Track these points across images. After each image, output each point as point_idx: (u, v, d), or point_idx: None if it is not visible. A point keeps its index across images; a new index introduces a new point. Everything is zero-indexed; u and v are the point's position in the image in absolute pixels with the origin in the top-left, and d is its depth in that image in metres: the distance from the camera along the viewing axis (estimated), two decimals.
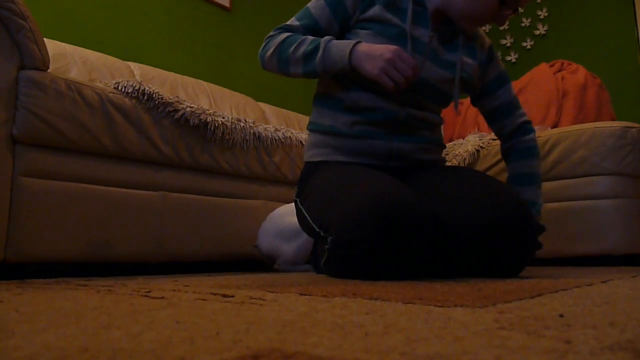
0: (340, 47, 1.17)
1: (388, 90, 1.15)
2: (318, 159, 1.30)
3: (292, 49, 1.21)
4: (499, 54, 4.14)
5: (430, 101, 1.28)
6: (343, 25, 1.27)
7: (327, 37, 1.19)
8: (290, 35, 1.23)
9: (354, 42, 1.16)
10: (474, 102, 1.43)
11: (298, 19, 1.28)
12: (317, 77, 1.25)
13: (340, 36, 1.28)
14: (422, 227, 1.02)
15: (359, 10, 1.25)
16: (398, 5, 1.26)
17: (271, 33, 1.28)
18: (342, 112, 1.26)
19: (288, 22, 1.29)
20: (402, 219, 0.99)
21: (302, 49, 1.19)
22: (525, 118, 1.41)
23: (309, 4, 1.29)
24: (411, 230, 1.00)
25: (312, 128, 1.34)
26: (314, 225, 1.19)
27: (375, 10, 1.24)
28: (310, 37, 1.21)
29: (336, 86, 1.27)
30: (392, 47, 1.13)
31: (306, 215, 1.23)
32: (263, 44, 1.28)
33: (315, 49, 1.18)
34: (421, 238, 1.02)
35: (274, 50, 1.23)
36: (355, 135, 1.25)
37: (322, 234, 1.14)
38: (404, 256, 1.02)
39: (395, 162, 1.27)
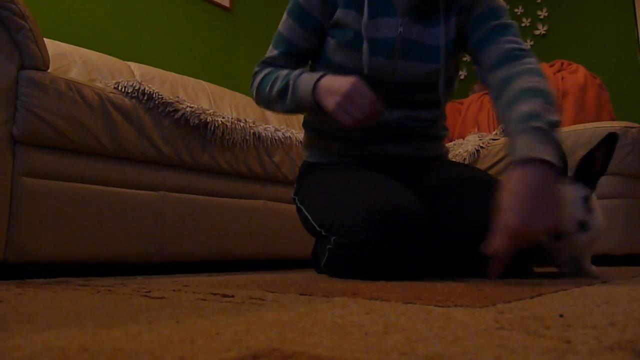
0: (305, 83, 1.11)
1: (347, 127, 1.05)
2: (314, 160, 1.30)
3: (268, 88, 1.18)
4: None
5: (420, 98, 1.19)
6: (321, 36, 1.20)
7: (296, 72, 1.14)
8: (267, 74, 1.20)
9: (318, 75, 1.09)
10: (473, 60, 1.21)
11: (275, 47, 1.23)
12: (300, 113, 1.24)
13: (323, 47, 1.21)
14: (424, 230, 1.02)
15: (327, 17, 1.17)
16: (357, 0, 1.14)
17: (255, 69, 1.25)
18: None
19: (268, 54, 1.25)
20: (405, 222, 1.00)
21: (275, 88, 1.16)
22: (517, 45, 1.10)
23: (280, 27, 1.23)
24: (413, 233, 1.00)
25: (306, 127, 1.34)
26: (315, 225, 1.18)
27: (338, 13, 1.15)
28: (284, 72, 1.16)
29: None
30: (351, 79, 1.03)
31: (306, 213, 1.23)
32: (251, 81, 1.26)
33: (286, 86, 1.14)
34: (423, 240, 1.03)
35: (257, 91, 1.22)
36: (346, 139, 1.24)
37: (323, 233, 1.14)
38: (405, 257, 1.02)
39: (391, 164, 1.26)
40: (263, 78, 1.20)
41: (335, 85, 1.05)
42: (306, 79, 1.11)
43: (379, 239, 0.99)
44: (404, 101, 1.19)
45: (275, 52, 1.23)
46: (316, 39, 1.20)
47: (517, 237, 0.83)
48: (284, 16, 1.22)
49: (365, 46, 1.12)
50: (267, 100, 1.20)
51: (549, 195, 0.85)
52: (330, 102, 1.04)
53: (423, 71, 1.15)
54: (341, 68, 1.15)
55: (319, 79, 1.08)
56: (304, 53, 1.22)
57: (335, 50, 1.17)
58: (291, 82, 1.13)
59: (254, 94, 1.25)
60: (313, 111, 1.12)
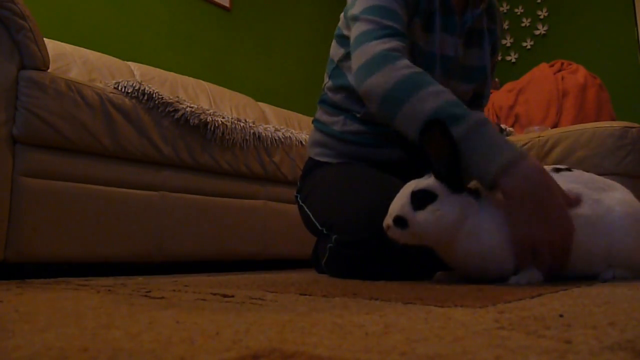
0: (497, 140, 0.85)
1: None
2: (323, 159, 1.28)
3: (419, 92, 0.91)
4: (499, 53, 4.14)
5: None
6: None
7: (480, 115, 0.88)
8: (422, 72, 0.95)
9: (518, 150, 0.84)
10: None
11: (382, 16, 1.00)
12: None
13: None
14: None
15: (411, 11, 1.09)
16: (430, 17, 1.11)
17: (388, 43, 0.97)
18: (354, 121, 1.21)
19: (384, 20, 1.00)
20: None
21: (440, 103, 0.89)
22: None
23: (374, 3, 1.04)
24: None
25: (320, 128, 1.30)
26: (317, 223, 1.17)
27: (414, 23, 1.08)
28: (453, 96, 0.91)
29: (352, 98, 1.20)
30: (569, 225, 0.81)
31: (308, 212, 1.22)
32: (380, 56, 0.97)
33: (462, 117, 0.87)
34: None
35: (393, 81, 0.94)
36: (366, 144, 1.21)
37: (324, 232, 1.14)
38: (407, 258, 1.02)
39: (402, 166, 1.21)
40: (413, 74, 0.94)
41: (551, 204, 0.81)
42: (497, 140, 0.85)
43: (380, 238, 0.99)
44: None
45: (390, 24, 1.01)
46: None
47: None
48: None
49: (437, 67, 1.12)
50: (398, 103, 0.93)
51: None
52: (529, 220, 0.80)
53: (464, 91, 1.21)
54: None
55: (520, 156, 0.83)
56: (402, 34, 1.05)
57: None
58: (472, 120, 0.86)
59: (382, 81, 0.95)
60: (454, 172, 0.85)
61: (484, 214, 0.85)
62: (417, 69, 0.96)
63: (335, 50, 1.26)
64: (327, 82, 1.30)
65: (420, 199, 0.85)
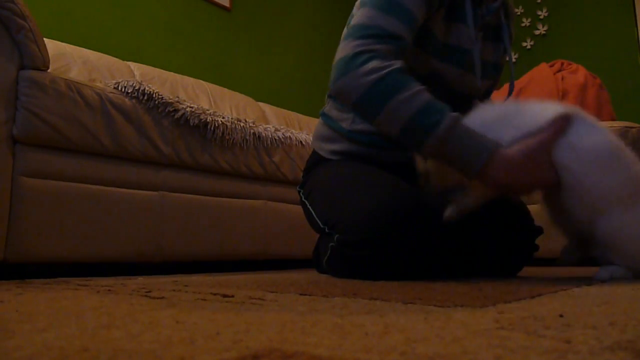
0: (475, 143, 0.88)
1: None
2: (328, 156, 1.25)
3: (395, 98, 0.92)
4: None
5: (457, 109, 1.20)
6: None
7: (452, 117, 0.90)
8: (397, 73, 0.94)
9: (492, 144, 0.88)
10: None
11: (388, 13, 0.98)
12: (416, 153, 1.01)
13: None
14: (428, 231, 1.02)
15: (434, 8, 1.05)
16: (455, 7, 1.08)
17: (365, 47, 0.96)
18: (363, 120, 1.17)
19: (385, 25, 0.98)
20: (410, 223, 0.99)
21: (411, 110, 0.91)
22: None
23: None
24: (418, 234, 1.00)
25: (328, 122, 1.26)
26: (319, 221, 1.17)
27: (438, 17, 1.06)
28: (427, 96, 0.92)
29: None
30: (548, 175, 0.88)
31: (311, 209, 1.21)
32: (351, 57, 0.96)
33: (433, 126, 0.89)
34: (427, 241, 1.02)
35: (367, 83, 0.94)
36: (373, 144, 1.19)
37: (327, 230, 1.13)
38: (409, 258, 1.02)
39: (407, 167, 1.19)
40: (387, 77, 0.93)
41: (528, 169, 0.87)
42: (471, 140, 0.89)
43: (383, 239, 0.99)
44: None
45: (396, 23, 0.98)
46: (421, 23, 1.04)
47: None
48: None
49: (478, 73, 1.11)
50: (378, 108, 0.94)
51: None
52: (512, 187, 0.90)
53: (478, 85, 1.18)
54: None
55: (493, 152, 0.87)
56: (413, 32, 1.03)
57: (434, 63, 1.09)
58: (444, 127, 0.89)
59: (358, 83, 0.94)
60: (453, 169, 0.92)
61: None
62: (384, 72, 0.94)
63: None
64: None
65: None
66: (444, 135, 0.89)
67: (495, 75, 1.25)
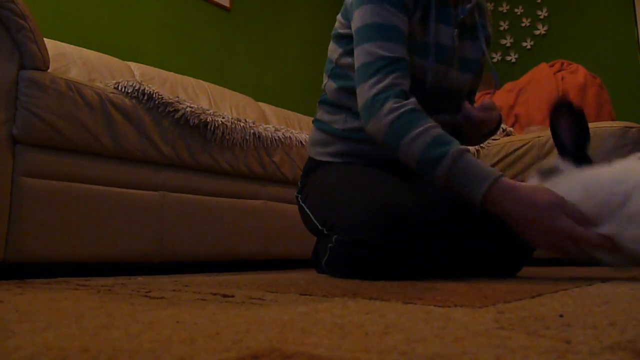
0: (473, 176, 0.94)
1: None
2: (325, 159, 1.27)
3: (407, 136, 1.00)
4: (499, 53, 4.16)
5: (446, 104, 1.24)
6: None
7: (456, 150, 0.96)
8: (410, 113, 1.02)
9: (491, 173, 0.93)
10: None
11: (381, 38, 1.07)
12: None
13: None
14: (427, 230, 1.02)
15: (410, 12, 1.14)
16: (427, 11, 1.16)
17: (385, 83, 1.05)
18: (354, 118, 1.21)
19: (385, 52, 1.06)
20: (408, 222, 0.99)
21: (420, 147, 0.99)
22: None
23: (372, 19, 1.09)
24: (416, 233, 1.00)
25: (321, 127, 1.30)
26: (317, 223, 1.17)
27: (415, 17, 1.14)
28: (436, 131, 0.99)
29: (352, 95, 1.19)
30: (559, 218, 0.87)
31: (309, 212, 1.22)
32: (374, 97, 1.05)
33: (438, 160, 0.97)
34: (426, 241, 1.02)
35: (384, 126, 1.03)
36: (367, 140, 1.19)
37: (325, 231, 1.14)
38: (408, 258, 1.02)
39: (404, 165, 1.24)
40: (400, 118, 1.02)
41: (538, 215, 0.89)
42: (473, 170, 0.95)
43: (381, 238, 0.99)
44: (430, 107, 1.18)
45: (392, 45, 1.07)
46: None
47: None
48: (371, 7, 1.09)
49: (431, 54, 1.15)
50: (396, 145, 1.03)
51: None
52: (534, 235, 0.91)
53: (462, 81, 1.23)
54: None
55: (493, 182, 0.92)
56: (403, 41, 1.10)
57: None
58: (449, 162, 0.96)
59: (378, 127, 1.05)
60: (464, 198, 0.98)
61: None
62: (399, 112, 1.03)
63: (333, 50, 1.27)
64: (327, 81, 1.30)
65: (546, 174, 0.95)
66: (450, 165, 0.96)
67: (477, 70, 1.28)
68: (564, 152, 0.96)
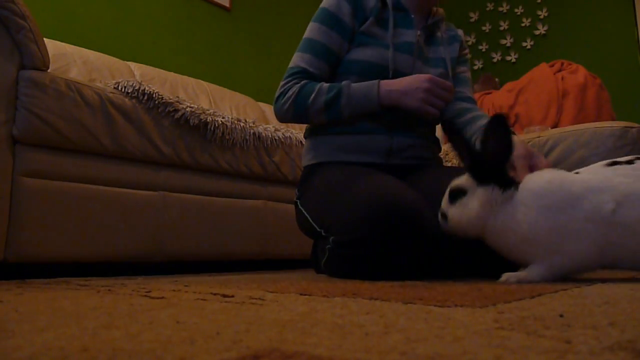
0: (364, 90, 1.19)
1: (430, 117, 1.22)
2: (317, 160, 1.30)
3: (310, 100, 1.21)
4: (499, 53, 4.16)
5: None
6: (351, 40, 1.28)
7: (345, 83, 1.21)
8: (303, 87, 1.23)
9: (375, 83, 1.19)
10: None
11: (304, 51, 1.26)
12: (340, 122, 1.25)
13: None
14: (423, 228, 1.02)
15: (358, 24, 1.27)
16: (384, 17, 1.29)
17: (283, 85, 1.26)
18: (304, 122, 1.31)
19: (295, 64, 1.27)
20: (405, 219, 0.99)
21: (322, 99, 1.20)
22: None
23: (308, 35, 1.28)
24: (413, 231, 1.00)
25: (310, 134, 1.35)
26: (315, 225, 1.18)
27: (368, 24, 1.26)
28: (326, 85, 1.21)
29: None
30: (424, 76, 1.18)
31: (306, 215, 1.23)
32: (277, 97, 1.27)
33: (337, 96, 1.20)
34: (423, 239, 1.02)
35: (292, 104, 1.23)
36: (356, 131, 1.25)
37: (323, 233, 1.14)
38: (405, 256, 1.02)
39: (395, 159, 1.26)
40: (300, 91, 1.23)
41: (410, 86, 1.18)
42: (362, 86, 1.20)
43: (378, 237, 0.99)
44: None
45: (306, 56, 1.26)
46: (347, 44, 1.27)
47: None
48: (312, 25, 1.29)
49: (390, 51, 1.25)
50: (305, 112, 1.23)
51: None
52: (412, 101, 1.17)
53: (433, 74, 1.27)
54: (365, 66, 1.25)
55: (379, 86, 1.19)
56: (336, 56, 1.27)
57: (359, 49, 1.26)
58: (345, 92, 1.20)
59: (285, 108, 1.25)
60: (372, 113, 1.21)
61: (512, 206, 0.91)
62: (296, 89, 1.23)
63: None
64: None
65: (454, 195, 0.97)
66: (347, 92, 1.19)
67: (443, 67, 1.33)
68: (467, 170, 0.96)
